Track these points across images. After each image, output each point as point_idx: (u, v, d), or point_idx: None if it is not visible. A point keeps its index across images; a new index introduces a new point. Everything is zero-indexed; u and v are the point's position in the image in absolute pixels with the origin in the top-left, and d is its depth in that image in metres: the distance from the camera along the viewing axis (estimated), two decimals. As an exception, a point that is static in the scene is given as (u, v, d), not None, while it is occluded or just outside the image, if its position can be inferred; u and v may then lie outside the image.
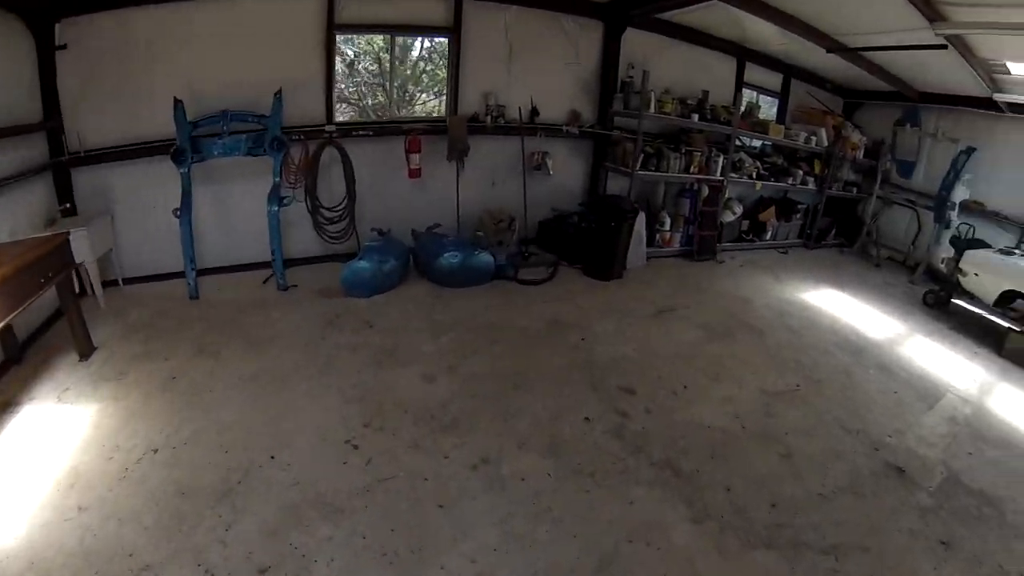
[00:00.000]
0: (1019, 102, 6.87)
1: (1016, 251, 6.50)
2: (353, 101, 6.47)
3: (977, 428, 4.46)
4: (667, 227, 7.07)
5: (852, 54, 6.82)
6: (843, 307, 6.52)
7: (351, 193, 5.69)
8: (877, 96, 8.80)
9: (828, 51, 6.79)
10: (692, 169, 6.96)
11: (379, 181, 6.05)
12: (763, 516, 3.03)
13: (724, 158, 7.17)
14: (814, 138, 8.06)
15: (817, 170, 8.39)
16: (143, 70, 4.80)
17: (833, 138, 8.21)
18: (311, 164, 5.50)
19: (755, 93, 8.63)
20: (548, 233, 6.82)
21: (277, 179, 5.13)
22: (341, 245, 5.83)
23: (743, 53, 7.93)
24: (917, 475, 3.52)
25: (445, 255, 5.50)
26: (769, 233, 8.22)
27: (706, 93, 7.29)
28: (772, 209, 8.21)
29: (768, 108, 8.94)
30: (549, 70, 6.50)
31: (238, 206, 5.43)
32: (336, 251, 5.96)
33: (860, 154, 8.56)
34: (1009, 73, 6.19)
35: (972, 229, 7.21)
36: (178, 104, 4.72)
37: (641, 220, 6.58)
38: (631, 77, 6.61)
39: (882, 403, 4.54)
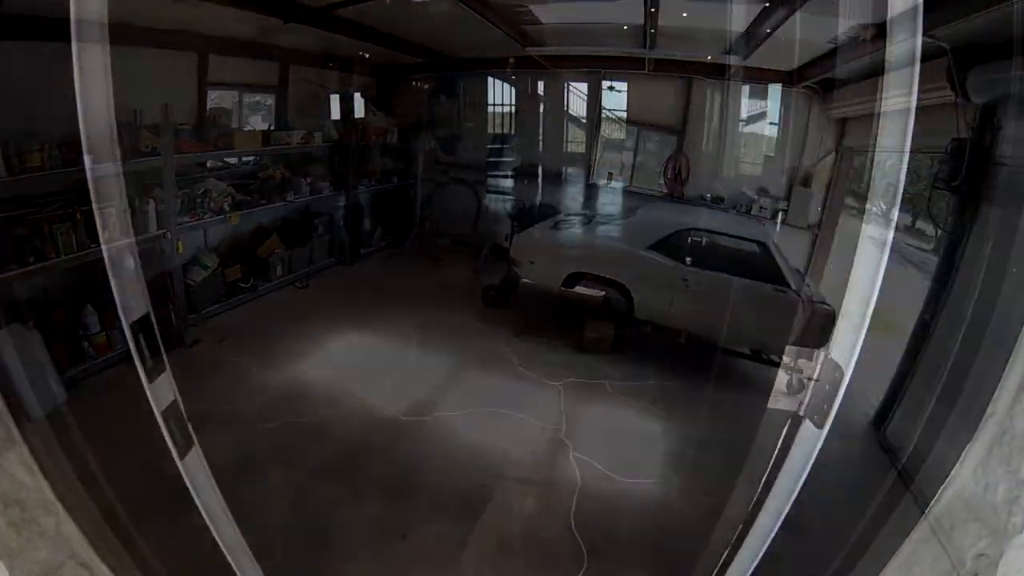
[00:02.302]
0: (556, 54, 6.17)
1: (573, 216, 5.45)
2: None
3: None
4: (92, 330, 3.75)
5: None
6: (356, 366, 4.15)
7: None
8: (414, 70, 7.25)
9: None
10: (106, 235, 3.67)
11: None
12: None
13: (154, 201, 4.17)
14: (318, 134, 6.01)
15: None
16: None
17: (344, 129, 6.29)
18: None
19: (238, 94, 6.02)
20: None
21: None
22: None
23: (206, 44, 5.33)
24: None
25: None
26: (279, 268, 5.73)
27: (138, 113, 4.34)
28: (273, 238, 5.73)
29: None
30: None
31: None
32: None
33: (393, 138, 6.94)
34: (540, 23, 5.37)
35: (532, 200, 5.96)
36: None
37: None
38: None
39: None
